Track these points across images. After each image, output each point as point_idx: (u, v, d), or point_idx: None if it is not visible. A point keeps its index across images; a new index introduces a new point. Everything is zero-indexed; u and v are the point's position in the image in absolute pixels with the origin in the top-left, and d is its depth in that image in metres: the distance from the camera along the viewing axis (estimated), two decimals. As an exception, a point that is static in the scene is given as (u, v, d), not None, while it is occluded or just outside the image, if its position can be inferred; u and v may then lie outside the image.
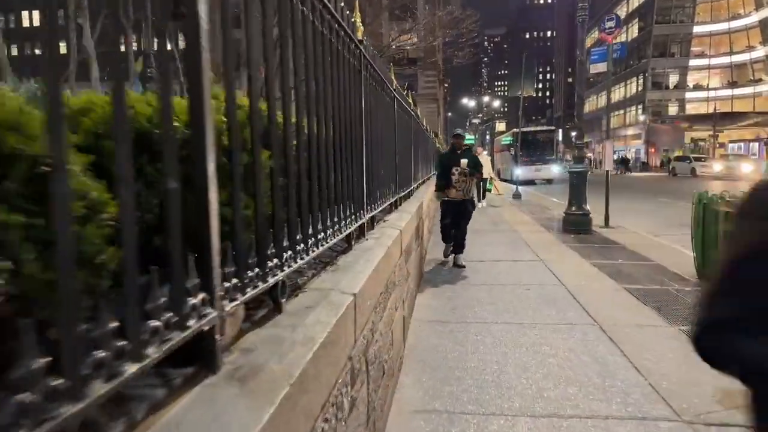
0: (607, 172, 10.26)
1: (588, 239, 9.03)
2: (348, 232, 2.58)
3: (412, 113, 7.16)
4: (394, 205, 5.00)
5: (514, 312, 4.89)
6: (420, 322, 4.63)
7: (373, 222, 3.51)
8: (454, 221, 7.08)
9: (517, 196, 18.26)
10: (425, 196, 8.01)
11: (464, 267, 6.83)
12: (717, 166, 33.40)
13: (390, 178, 4.71)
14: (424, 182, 10.44)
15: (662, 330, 4.31)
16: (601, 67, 10.05)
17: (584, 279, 6.11)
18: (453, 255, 7.13)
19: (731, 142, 48.64)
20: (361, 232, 3.06)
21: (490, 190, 14.20)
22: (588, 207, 9.69)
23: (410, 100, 7.16)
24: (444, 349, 3.96)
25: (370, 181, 3.38)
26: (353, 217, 2.79)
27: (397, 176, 5.08)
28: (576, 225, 9.57)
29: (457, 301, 5.28)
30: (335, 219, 2.34)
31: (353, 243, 2.73)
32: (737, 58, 53.75)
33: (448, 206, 7.17)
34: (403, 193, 5.79)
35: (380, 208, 3.82)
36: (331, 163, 2.32)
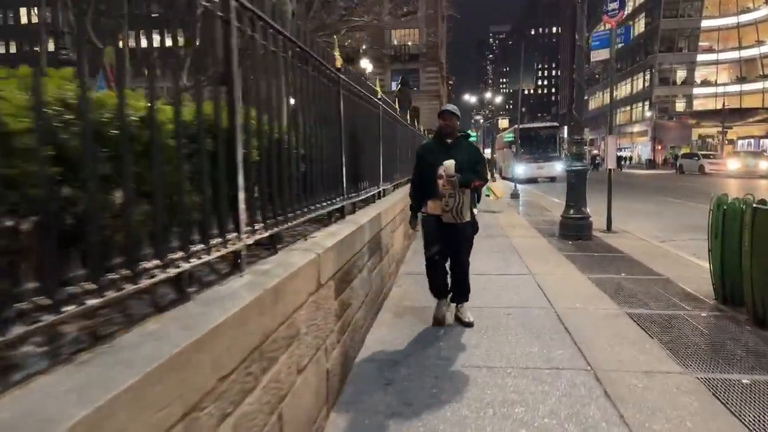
0: (610, 170, 9.21)
1: (587, 247, 8.01)
2: (154, 280, 1.58)
3: (379, 103, 6.13)
4: (341, 213, 4.01)
5: (486, 349, 3.89)
6: (364, 364, 3.64)
7: (275, 242, 2.52)
8: (447, 251, 4.46)
9: (515, 195, 17.23)
10: (403, 199, 7.01)
11: (472, 325, 4.38)
12: (733, 164, 31.89)
13: (332, 177, 3.73)
14: (406, 182, 9.45)
15: (676, 379, 3.30)
16: (603, 53, 8.98)
17: (579, 299, 5.10)
18: (454, 305, 4.60)
19: (740, 138, 47.36)
20: (234, 266, 2.08)
21: (487, 195, 12.61)
22: (588, 210, 8.66)
23: (378, 89, 6.13)
24: (384, 411, 2.96)
25: (256, 184, 2.39)
26: (205, 245, 1.80)
27: (344, 175, 4.08)
28: (574, 230, 8.54)
29: (417, 332, 4.28)
30: (105, 262, 1.35)
31: (191, 291, 1.73)
32: (746, 53, 52.76)
33: (434, 227, 4.42)
34: (361, 197, 4.80)
35: (296, 222, 2.83)
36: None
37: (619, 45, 8.74)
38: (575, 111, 8.33)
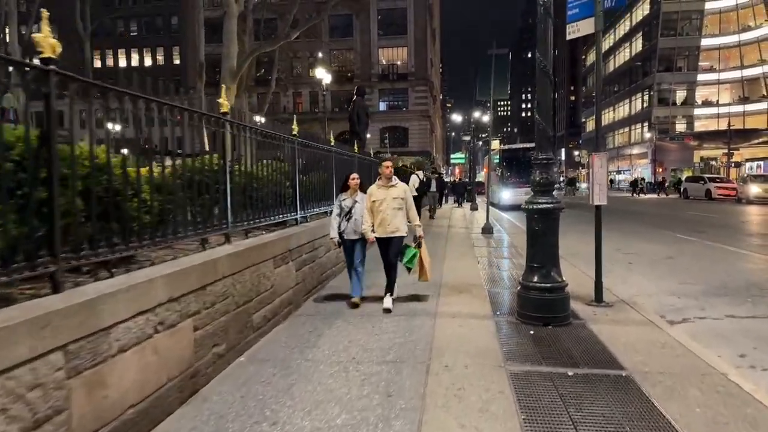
0: (598, 208, 5.84)
1: (557, 347, 4.56)
2: None
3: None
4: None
5: None
6: None
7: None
8: None
9: (487, 230, 13.87)
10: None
11: None
12: (754, 189, 28.12)
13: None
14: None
15: None
16: (584, 26, 5.74)
17: None
18: None
19: (748, 160, 44.31)
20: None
21: (410, 269, 6.09)
22: (561, 277, 5.24)
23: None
24: None
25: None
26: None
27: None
28: (539, 309, 5.09)
29: None
30: None
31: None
32: (748, 73, 50.90)
33: None
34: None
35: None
36: None
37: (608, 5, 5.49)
38: (539, 114, 5.05)
